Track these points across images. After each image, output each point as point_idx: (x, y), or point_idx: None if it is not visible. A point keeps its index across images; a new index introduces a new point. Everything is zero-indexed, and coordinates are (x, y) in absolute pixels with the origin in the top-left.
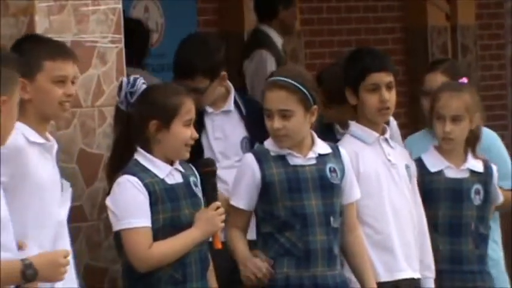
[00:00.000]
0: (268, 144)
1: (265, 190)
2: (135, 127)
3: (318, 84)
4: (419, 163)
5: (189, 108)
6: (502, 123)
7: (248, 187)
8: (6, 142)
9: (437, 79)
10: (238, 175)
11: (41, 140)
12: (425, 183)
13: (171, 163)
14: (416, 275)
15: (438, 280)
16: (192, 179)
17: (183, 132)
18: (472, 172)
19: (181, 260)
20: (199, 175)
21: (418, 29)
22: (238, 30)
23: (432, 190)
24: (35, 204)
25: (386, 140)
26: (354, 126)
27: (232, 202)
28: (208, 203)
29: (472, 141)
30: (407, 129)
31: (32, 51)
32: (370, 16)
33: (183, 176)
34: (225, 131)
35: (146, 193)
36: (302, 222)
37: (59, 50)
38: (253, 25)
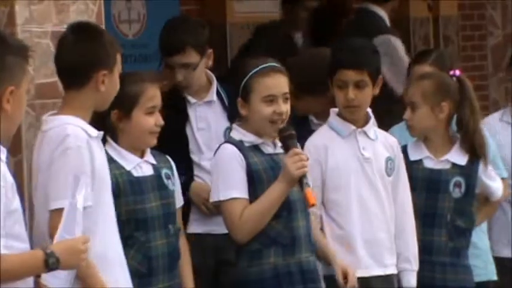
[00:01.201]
0: (239, 135)
1: (251, 179)
2: (99, 117)
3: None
4: (403, 151)
5: (150, 96)
6: (483, 113)
7: (241, 175)
8: (13, 133)
9: (425, 70)
10: (225, 167)
11: (96, 132)
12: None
13: (142, 153)
14: (389, 271)
15: None
16: (164, 171)
17: (145, 121)
18: (454, 164)
19: (147, 254)
20: (280, 141)
21: (400, 19)
22: (220, 20)
23: (411, 179)
24: (105, 200)
25: (364, 132)
26: (332, 117)
27: (233, 195)
28: None
29: (463, 133)
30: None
31: (109, 43)
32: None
33: (154, 168)
34: (209, 122)
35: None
36: (288, 209)
37: (118, 42)
38: (235, 17)
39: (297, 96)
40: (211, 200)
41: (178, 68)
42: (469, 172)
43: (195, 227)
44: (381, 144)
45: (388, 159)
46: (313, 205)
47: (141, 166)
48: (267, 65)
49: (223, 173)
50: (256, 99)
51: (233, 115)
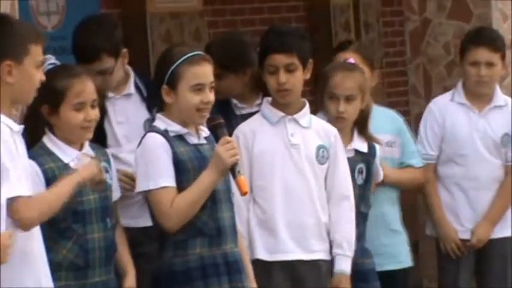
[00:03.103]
0: (163, 124)
1: (177, 169)
2: (32, 110)
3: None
4: None
5: (78, 91)
6: (404, 99)
7: (169, 164)
8: None
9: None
10: (153, 156)
11: (18, 127)
12: None
13: (81, 146)
14: (316, 257)
15: None
16: (102, 164)
17: (72, 116)
18: (357, 152)
19: (83, 246)
20: (209, 130)
21: (320, 6)
22: (140, 12)
23: None
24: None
25: (295, 120)
26: (264, 105)
27: (163, 183)
28: None
29: (360, 121)
30: (312, 106)
31: (18, 33)
32: None
33: None
34: (128, 115)
35: (43, 180)
36: (212, 199)
37: (38, 33)
38: (155, 7)
39: (220, 75)
40: (138, 190)
41: (94, 75)
42: (368, 158)
43: None
44: (314, 132)
45: (320, 147)
46: (246, 193)
47: (79, 158)
48: (195, 53)
49: (152, 161)
50: (185, 87)
51: (152, 106)
